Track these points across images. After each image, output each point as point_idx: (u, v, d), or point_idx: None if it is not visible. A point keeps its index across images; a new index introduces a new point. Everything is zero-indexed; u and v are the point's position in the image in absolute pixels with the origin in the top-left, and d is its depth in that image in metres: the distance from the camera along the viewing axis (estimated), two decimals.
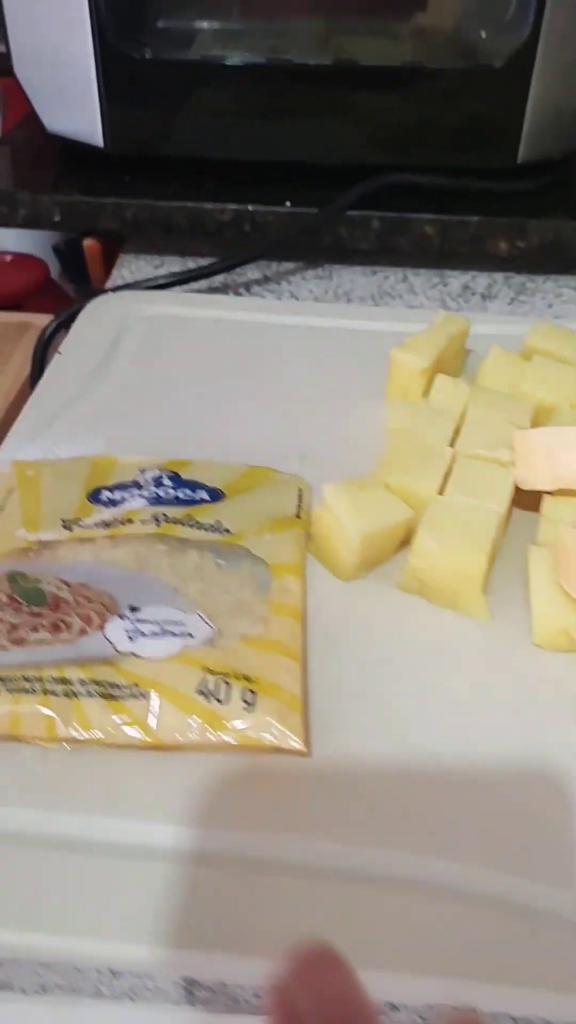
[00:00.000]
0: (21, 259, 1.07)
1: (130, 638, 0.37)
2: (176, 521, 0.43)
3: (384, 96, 0.67)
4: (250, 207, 0.68)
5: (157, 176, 0.70)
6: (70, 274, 1.16)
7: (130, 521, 0.43)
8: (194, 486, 0.45)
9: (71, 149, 0.72)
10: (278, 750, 0.34)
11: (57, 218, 0.70)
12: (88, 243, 1.10)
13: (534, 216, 0.68)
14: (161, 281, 0.66)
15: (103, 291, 0.65)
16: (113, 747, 0.35)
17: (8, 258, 1.08)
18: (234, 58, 0.67)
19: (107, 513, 0.44)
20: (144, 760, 0.35)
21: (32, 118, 0.76)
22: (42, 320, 0.81)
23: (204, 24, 0.71)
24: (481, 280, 0.70)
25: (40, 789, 0.34)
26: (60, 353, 0.58)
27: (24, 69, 0.70)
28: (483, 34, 0.68)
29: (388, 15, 0.70)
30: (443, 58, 0.69)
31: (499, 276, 0.71)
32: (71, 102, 0.68)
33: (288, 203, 0.68)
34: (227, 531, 0.43)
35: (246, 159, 0.70)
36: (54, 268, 1.16)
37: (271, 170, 0.69)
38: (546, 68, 0.64)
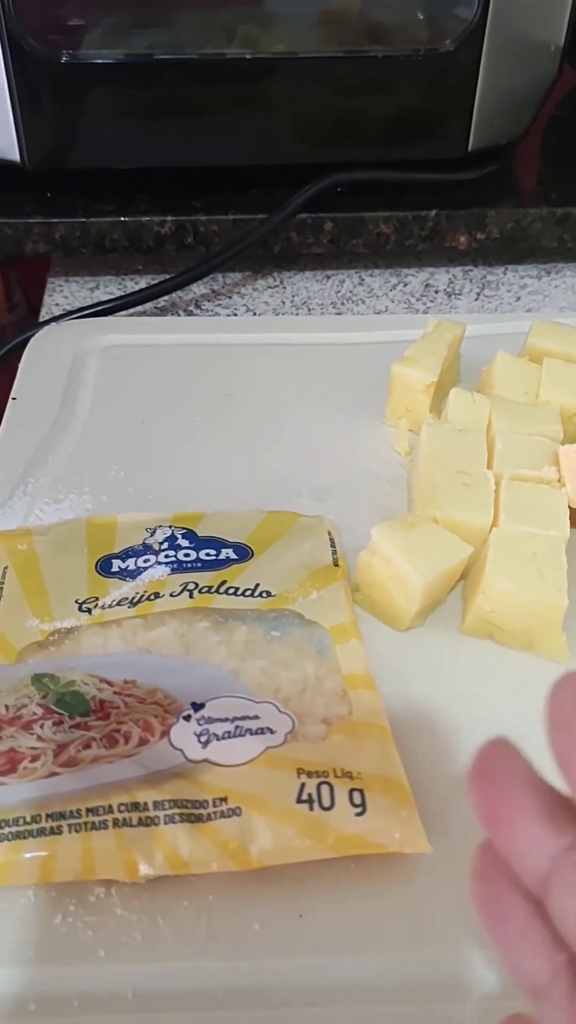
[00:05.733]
0: None
1: (202, 743, 0.31)
2: (210, 590, 0.37)
3: (324, 89, 0.63)
4: (192, 217, 0.63)
5: (83, 190, 0.64)
6: None
7: (157, 595, 0.37)
8: (216, 544, 0.40)
9: None
10: (397, 854, 0.30)
11: None
12: None
13: (491, 206, 0.65)
14: (107, 305, 0.59)
15: (44, 322, 0.58)
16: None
17: None
18: (160, 56, 0.61)
19: (126, 588, 0.38)
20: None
21: None
22: None
23: (116, 21, 0.65)
24: (440, 277, 0.67)
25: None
26: (14, 398, 0.52)
27: None
28: (420, 15, 0.64)
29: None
30: (377, 44, 0.65)
31: (457, 271, 0.68)
32: None
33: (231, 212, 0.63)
34: (268, 593, 0.38)
35: (180, 165, 0.64)
36: None
37: (210, 176, 0.64)
38: (495, 49, 0.61)
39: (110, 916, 0.29)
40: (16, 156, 0.62)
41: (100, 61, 0.61)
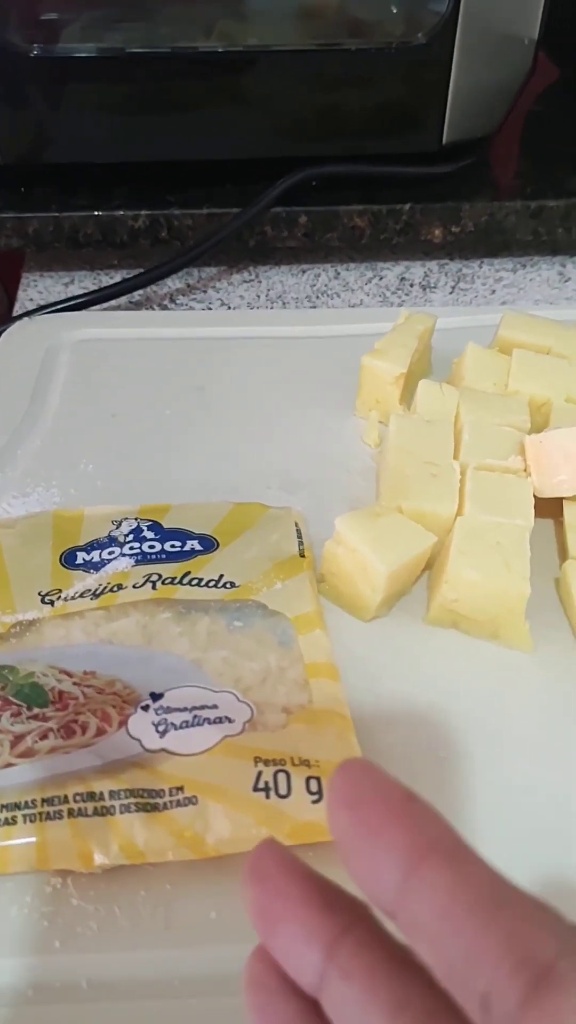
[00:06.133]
0: None
1: (159, 732, 0.31)
2: (173, 580, 0.37)
3: (296, 83, 0.63)
4: (166, 212, 0.63)
5: (57, 185, 0.64)
6: None
7: (120, 586, 0.37)
8: (181, 536, 0.40)
9: None
10: None
11: None
12: None
13: (466, 199, 0.65)
14: (80, 300, 0.59)
15: (17, 317, 0.58)
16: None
17: None
18: (130, 50, 0.61)
19: (90, 580, 0.38)
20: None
21: None
22: None
23: (89, 15, 0.64)
24: (416, 270, 0.67)
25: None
26: None
27: None
28: (393, 9, 0.64)
29: None
30: (352, 38, 0.64)
31: (433, 265, 0.68)
32: None
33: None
34: (232, 584, 0.38)
35: (155, 160, 0.64)
36: None
37: (184, 170, 0.64)
38: (467, 42, 0.61)
39: (66, 906, 0.29)
40: None
41: (74, 55, 0.60)
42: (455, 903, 0.16)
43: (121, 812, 0.29)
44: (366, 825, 0.18)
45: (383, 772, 0.19)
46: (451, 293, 0.65)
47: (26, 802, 0.29)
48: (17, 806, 0.29)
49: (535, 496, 0.41)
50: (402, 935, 0.17)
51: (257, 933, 0.20)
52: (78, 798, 0.29)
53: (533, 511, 0.39)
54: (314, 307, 0.63)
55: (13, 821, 0.29)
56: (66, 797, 0.29)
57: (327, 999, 0.18)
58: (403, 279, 0.66)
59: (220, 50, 0.61)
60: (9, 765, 0.30)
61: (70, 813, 0.29)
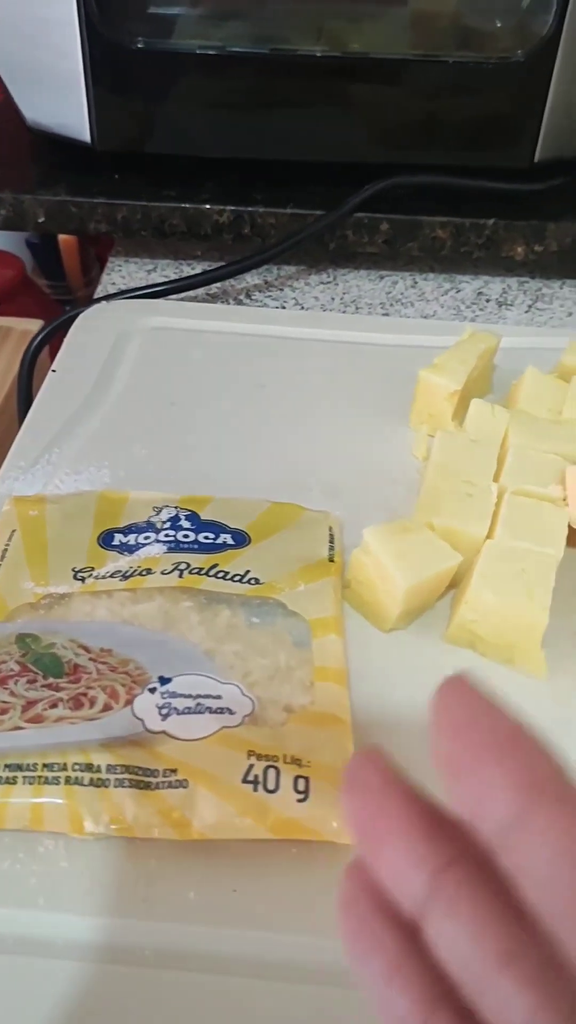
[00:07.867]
0: None
1: (162, 715, 0.32)
2: (200, 571, 0.39)
3: (393, 91, 0.63)
4: (251, 209, 0.64)
5: (148, 175, 0.66)
6: (43, 269, 1.10)
7: (149, 571, 0.39)
8: (216, 528, 0.41)
9: (52, 143, 0.67)
10: (332, 843, 0.31)
11: (41, 219, 0.65)
12: (64, 237, 1.05)
13: (552, 219, 0.64)
14: (158, 288, 0.61)
15: (96, 300, 0.60)
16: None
17: None
18: (231, 49, 0.62)
19: (123, 561, 0.39)
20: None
21: (6, 107, 0.71)
22: (23, 325, 0.76)
23: (197, 12, 0.66)
24: (495, 286, 0.67)
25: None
26: (54, 371, 0.54)
27: (3, 56, 0.64)
28: (498, 23, 0.64)
29: (392, 1, 0.66)
30: (455, 50, 0.65)
31: (512, 281, 0.67)
32: (57, 95, 0.63)
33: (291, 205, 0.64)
34: (256, 581, 0.39)
35: (245, 157, 0.65)
36: (27, 263, 1.10)
37: (272, 169, 0.65)
38: (568, 61, 0.60)
39: (55, 868, 0.31)
40: (87, 137, 0.64)
41: (176, 50, 0.62)
42: (568, 852, 0.16)
43: (115, 786, 0.30)
44: (472, 754, 0.17)
45: (489, 696, 0.18)
46: (527, 312, 0.64)
47: (28, 764, 0.31)
48: (19, 767, 0.31)
49: (570, 527, 0.41)
50: (506, 864, 0.17)
51: (358, 849, 0.19)
52: (76, 767, 0.31)
53: (565, 542, 0.40)
54: (387, 314, 0.64)
55: (13, 781, 0.30)
56: (65, 765, 0.31)
57: (430, 930, 0.18)
58: (480, 294, 0.66)
59: (319, 54, 0.62)
60: (18, 728, 0.32)
61: (67, 780, 0.30)
